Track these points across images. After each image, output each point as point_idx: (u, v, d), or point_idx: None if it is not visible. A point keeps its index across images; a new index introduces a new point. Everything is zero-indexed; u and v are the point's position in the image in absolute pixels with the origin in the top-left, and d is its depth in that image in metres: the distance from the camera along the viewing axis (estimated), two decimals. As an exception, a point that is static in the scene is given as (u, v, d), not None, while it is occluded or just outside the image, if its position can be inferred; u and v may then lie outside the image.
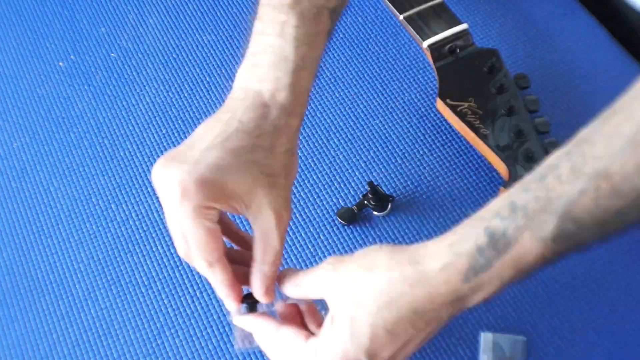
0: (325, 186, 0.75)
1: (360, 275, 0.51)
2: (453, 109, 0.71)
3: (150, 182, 0.76)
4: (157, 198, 0.75)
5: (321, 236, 0.72)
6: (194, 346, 0.67)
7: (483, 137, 0.69)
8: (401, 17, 0.76)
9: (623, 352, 0.66)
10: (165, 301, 0.69)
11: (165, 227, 0.73)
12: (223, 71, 0.83)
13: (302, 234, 0.72)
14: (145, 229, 0.73)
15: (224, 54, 0.85)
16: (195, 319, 0.68)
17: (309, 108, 0.80)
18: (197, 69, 0.84)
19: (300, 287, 0.55)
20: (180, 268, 0.71)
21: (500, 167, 0.69)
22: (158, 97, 0.82)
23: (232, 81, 0.57)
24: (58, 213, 0.75)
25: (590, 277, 0.69)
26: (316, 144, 0.78)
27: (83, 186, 0.76)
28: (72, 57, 0.85)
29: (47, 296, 0.70)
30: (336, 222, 0.73)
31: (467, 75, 0.74)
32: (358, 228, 0.72)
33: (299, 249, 0.72)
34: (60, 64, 0.85)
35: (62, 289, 0.71)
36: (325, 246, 0.72)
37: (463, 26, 0.75)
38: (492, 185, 0.74)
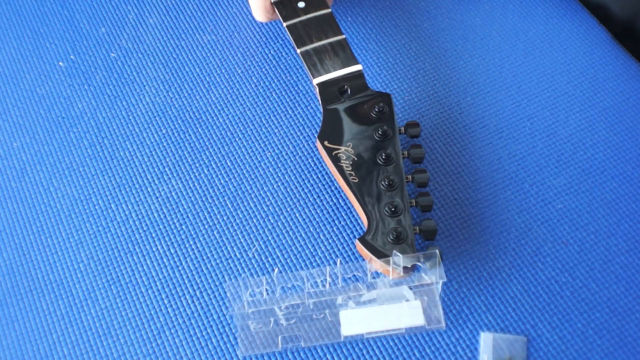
0: (325, 186, 0.75)
1: None
2: (329, 152, 0.69)
3: (150, 182, 0.76)
4: (157, 198, 0.75)
5: (321, 236, 0.72)
6: (194, 346, 0.67)
7: (350, 185, 0.67)
8: (298, 51, 0.74)
9: (623, 352, 0.66)
10: (165, 301, 0.69)
11: (164, 227, 0.73)
12: (223, 71, 0.83)
13: (302, 234, 0.72)
14: (145, 229, 0.73)
15: (224, 54, 0.85)
16: (195, 319, 0.68)
17: (308, 108, 0.80)
18: (197, 69, 0.84)
19: None
20: (180, 268, 0.71)
21: (363, 218, 0.66)
22: (158, 97, 0.82)
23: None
24: (58, 213, 0.75)
25: (590, 277, 0.70)
26: (316, 144, 0.78)
27: (83, 186, 0.76)
28: (72, 57, 0.85)
29: (47, 296, 0.70)
30: (336, 222, 0.73)
31: (353, 119, 0.71)
32: (359, 227, 0.72)
33: (299, 249, 0.72)
34: (60, 64, 0.85)
35: (62, 289, 0.71)
36: (325, 246, 0.72)
37: (356, 67, 0.73)
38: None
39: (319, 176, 0.76)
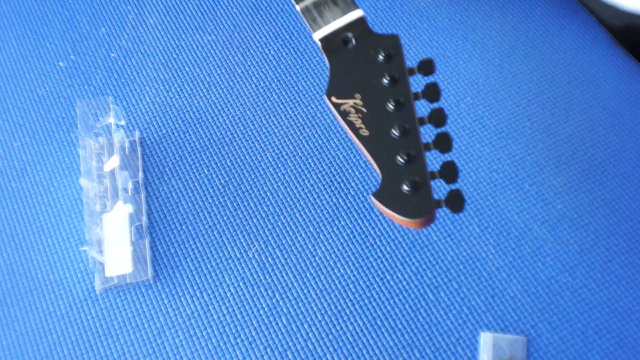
0: (325, 186, 0.75)
1: None
2: (337, 107, 0.65)
3: (150, 182, 0.76)
4: (157, 198, 0.75)
5: (321, 236, 0.72)
6: (193, 346, 0.67)
7: (362, 139, 0.63)
8: (298, 8, 0.69)
9: (623, 352, 0.66)
10: (166, 301, 0.69)
11: (164, 227, 0.73)
12: (223, 71, 0.83)
13: (302, 234, 0.72)
14: (147, 226, 0.73)
15: (224, 54, 0.85)
16: (195, 319, 0.69)
17: (308, 108, 0.80)
18: (197, 69, 0.84)
19: None
20: (180, 268, 0.71)
21: (378, 172, 0.62)
22: (158, 97, 0.82)
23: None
24: (58, 213, 0.75)
25: (590, 276, 0.70)
26: (316, 144, 0.78)
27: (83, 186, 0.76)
28: (72, 57, 0.85)
29: (47, 296, 0.70)
30: (336, 221, 0.73)
31: (359, 68, 0.66)
32: (359, 227, 0.72)
33: (299, 249, 0.72)
34: (60, 64, 0.85)
35: (62, 289, 0.71)
36: (325, 246, 0.72)
37: (357, 13, 0.68)
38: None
39: (319, 176, 0.76)
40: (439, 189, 0.66)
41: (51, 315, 0.69)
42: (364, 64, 0.67)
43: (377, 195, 0.60)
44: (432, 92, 0.63)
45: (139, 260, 0.71)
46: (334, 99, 0.65)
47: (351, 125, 0.64)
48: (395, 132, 0.62)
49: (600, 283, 0.69)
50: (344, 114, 0.64)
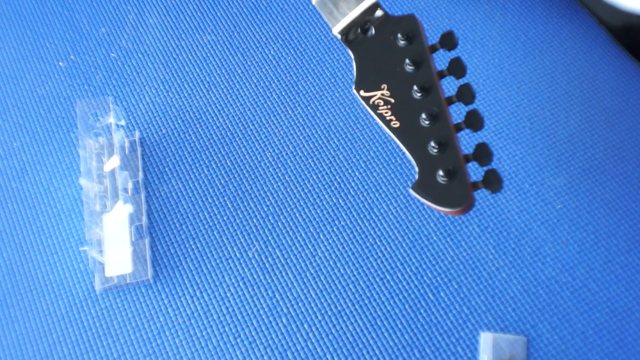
0: (325, 186, 0.75)
1: None
2: (366, 101, 0.63)
3: (151, 182, 0.76)
4: (157, 198, 0.75)
5: (321, 236, 0.72)
6: (193, 346, 0.67)
7: (394, 131, 0.61)
8: (314, 2, 0.68)
9: (623, 352, 0.66)
10: (166, 301, 0.69)
11: (165, 227, 0.73)
12: (223, 71, 0.83)
13: (302, 234, 0.72)
14: (147, 225, 0.73)
15: (224, 54, 0.85)
16: (195, 319, 0.68)
17: (308, 108, 0.80)
18: (197, 69, 0.84)
19: None
20: (180, 268, 0.71)
21: (414, 163, 0.60)
22: (158, 97, 0.82)
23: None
24: (58, 213, 0.75)
25: (590, 276, 0.70)
26: (316, 144, 0.78)
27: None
28: (72, 57, 0.85)
29: (47, 296, 0.70)
30: (336, 221, 0.73)
31: (382, 56, 0.64)
32: (359, 227, 0.72)
33: (299, 249, 0.72)
34: (60, 64, 0.85)
35: (62, 289, 0.71)
36: (325, 246, 0.72)
37: (370, 0, 0.66)
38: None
39: (319, 176, 0.76)
40: (477, 169, 0.65)
41: (51, 315, 0.69)
42: (386, 51, 0.65)
43: (415, 187, 0.59)
44: (457, 68, 0.61)
45: (139, 260, 0.71)
46: (362, 93, 0.63)
47: (382, 118, 0.62)
48: (424, 120, 0.60)
49: (600, 283, 0.69)
50: (374, 107, 0.63)
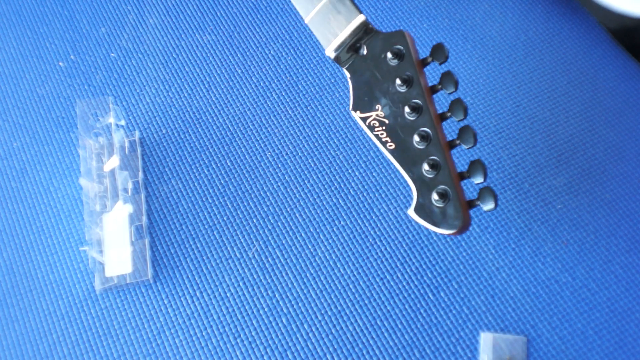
0: (325, 186, 0.75)
1: None
2: (364, 122, 0.62)
3: (151, 182, 0.76)
4: (157, 198, 0.75)
5: (321, 236, 0.72)
6: (193, 346, 0.67)
7: (390, 152, 0.61)
8: (306, 21, 0.67)
9: (623, 352, 0.66)
10: (166, 301, 0.69)
11: (165, 227, 0.73)
12: (223, 71, 0.83)
13: (302, 234, 0.72)
14: (148, 226, 0.73)
15: (224, 54, 0.85)
16: (195, 319, 0.68)
17: (308, 108, 0.80)
18: (197, 69, 0.84)
19: None
20: (180, 268, 0.71)
21: (411, 185, 0.60)
22: (158, 97, 0.82)
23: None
24: (58, 213, 0.75)
25: (590, 276, 0.70)
26: (316, 144, 0.78)
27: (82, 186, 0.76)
28: (72, 57, 0.85)
29: (47, 296, 0.70)
30: (336, 221, 0.73)
31: (374, 75, 0.63)
32: (359, 227, 0.72)
33: (299, 249, 0.72)
34: (60, 64, 0.85)
35: (62, 289, 0.71)
36: (325, 246, 0.72)
37: (359, 19, 0.65)
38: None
39: (319, 176, 0.76)
40: (472, 185, 0.64)
41: (51, 315, 0.69)
42: (378, 70, 0.64)
43: (414, 210, 0.59)
44: (448, 82, 0.61)
45: (139, 260, 0.71)
46: (359, 114, 0.63)
47: (379, 139, 0.62)
48: (417, 140, 0.60)
49: (600, 283, 0.69)
50: (371, 128, 0.62)
